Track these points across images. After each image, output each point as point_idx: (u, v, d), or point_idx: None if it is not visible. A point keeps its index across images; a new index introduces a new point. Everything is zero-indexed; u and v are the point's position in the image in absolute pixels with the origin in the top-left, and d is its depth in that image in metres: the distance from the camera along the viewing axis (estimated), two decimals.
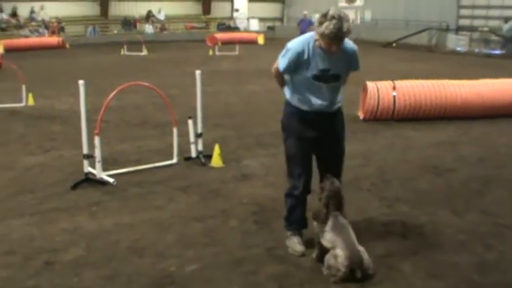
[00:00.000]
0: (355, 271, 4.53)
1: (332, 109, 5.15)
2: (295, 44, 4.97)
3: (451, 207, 6.44)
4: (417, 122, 11.05)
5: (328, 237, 4.75)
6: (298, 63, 4.94)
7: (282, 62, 5.03)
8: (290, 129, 5.23)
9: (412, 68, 20.86)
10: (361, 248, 4.69)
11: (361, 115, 11.46)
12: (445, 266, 4.95)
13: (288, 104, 5.24)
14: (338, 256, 4.59)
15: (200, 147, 8.28)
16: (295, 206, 5.35)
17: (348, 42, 4.95)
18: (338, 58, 4.93)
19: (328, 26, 4.62)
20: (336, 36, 4.68)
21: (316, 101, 5.06)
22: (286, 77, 5.19)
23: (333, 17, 4.62)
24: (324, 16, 4.67)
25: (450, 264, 4.98)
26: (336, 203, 4.88)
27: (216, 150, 8.08)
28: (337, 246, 4.63)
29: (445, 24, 33.63)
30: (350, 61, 5.05)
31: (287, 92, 5.24)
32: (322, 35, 4.71)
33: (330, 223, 4.80)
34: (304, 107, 5.11)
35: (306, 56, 4.91)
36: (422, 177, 7.64)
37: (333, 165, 5.31)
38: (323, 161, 5.34)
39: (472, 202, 6.66)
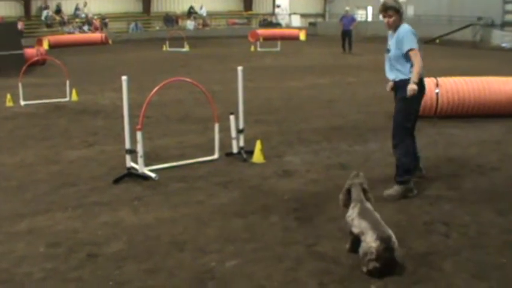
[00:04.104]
0: (387, 246, 4.53)
1: (391, 76, 6.55)
2: None
3: (496, 207, 6.30)
4: (460, 119, 10.86)
5: (355, 223, 4.84)
6: None
7: None
8: None
9: (456, 65, 20.55)
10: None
11: None
12: (489, 267, 4.84)
13: None
14: (367, 237, 4.63)
15: (241, 143, 8.30)
16: None
17: (403, 26, 6.38)
18: (393, 37, 6.43)
19: None
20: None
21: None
22: None
23: None
24: None
25: (494, 265, 4.88)
26: (358, 191, 5.02)
27: (258, 146, 8.09)
28: (365, 230, 4.68)
29: (490, 19, 33.04)
30: (397, 41, 6.35)
31: None
32: None
33: (356, 209, 4.91)
34: None
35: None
36: (466, 175, 7.50)
37: None
38: None
39: None
